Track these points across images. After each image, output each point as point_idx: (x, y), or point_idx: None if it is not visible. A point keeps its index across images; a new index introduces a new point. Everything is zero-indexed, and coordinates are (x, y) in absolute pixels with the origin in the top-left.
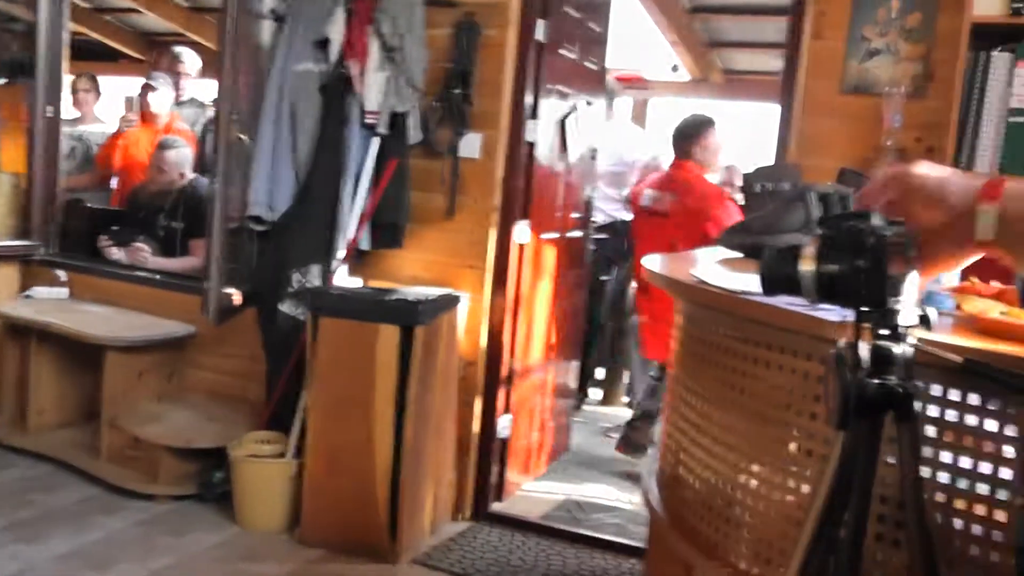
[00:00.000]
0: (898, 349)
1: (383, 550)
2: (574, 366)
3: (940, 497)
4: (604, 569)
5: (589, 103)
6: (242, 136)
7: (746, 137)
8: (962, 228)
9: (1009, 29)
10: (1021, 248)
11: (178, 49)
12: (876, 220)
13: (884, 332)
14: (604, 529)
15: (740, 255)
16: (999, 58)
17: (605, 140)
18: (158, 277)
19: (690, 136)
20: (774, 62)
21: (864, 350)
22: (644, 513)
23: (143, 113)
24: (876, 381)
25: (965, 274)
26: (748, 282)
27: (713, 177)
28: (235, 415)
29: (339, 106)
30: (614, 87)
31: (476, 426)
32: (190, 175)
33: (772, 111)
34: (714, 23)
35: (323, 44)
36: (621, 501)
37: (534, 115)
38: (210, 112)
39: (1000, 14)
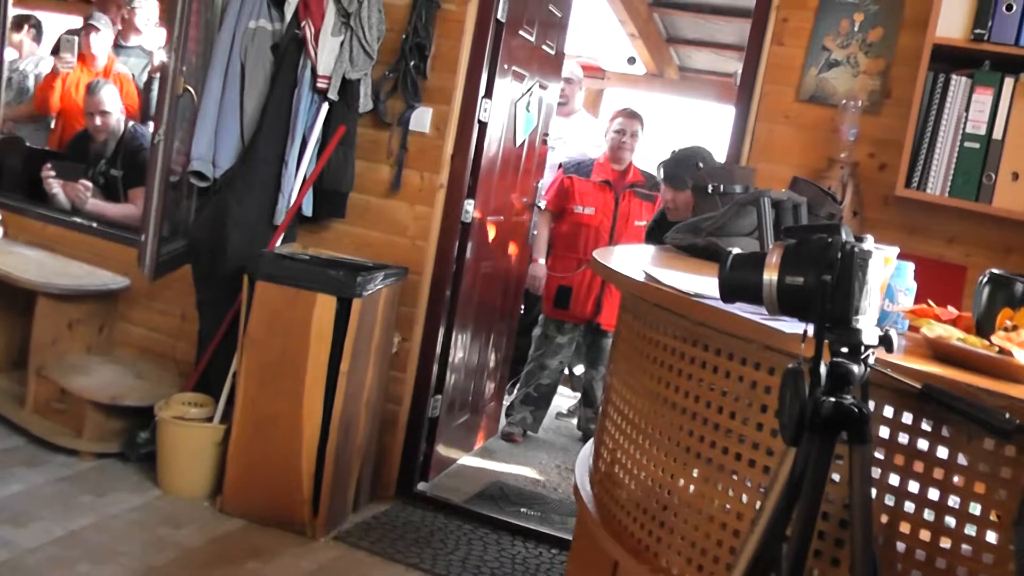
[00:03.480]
0: (856, 368)
1: (304, 525)
2: (511, 348)
3: (884, 518)
4: (524, 557)
5: (543, 87)
6: (189, 88)
7: (697, 136)
8: None
9: (969, 53)
10: None
11: None
12: (845, 234)
13: (843, 350)
14: (527, 517)
15: (687, 254)
16: (957, 82)
17: (569, 130)
18: (95, 225)
19: None
20: (727, 64)
21: (822, 367)
22: (568, 502)
23: (82, 55)
24: (832, 399)
25: (921, 297)
26: (700, 284)
27: None
28: (164, 374)
29: (290, 67)
30: (580, 77)
31: (407, 404)
32: (126, 121)
33: (724, 111)
34: (673, 19)
35: (279, 2)
36: (547, 488)
37: (488, 94)
38: (156, 60)
39: (962, 38)
